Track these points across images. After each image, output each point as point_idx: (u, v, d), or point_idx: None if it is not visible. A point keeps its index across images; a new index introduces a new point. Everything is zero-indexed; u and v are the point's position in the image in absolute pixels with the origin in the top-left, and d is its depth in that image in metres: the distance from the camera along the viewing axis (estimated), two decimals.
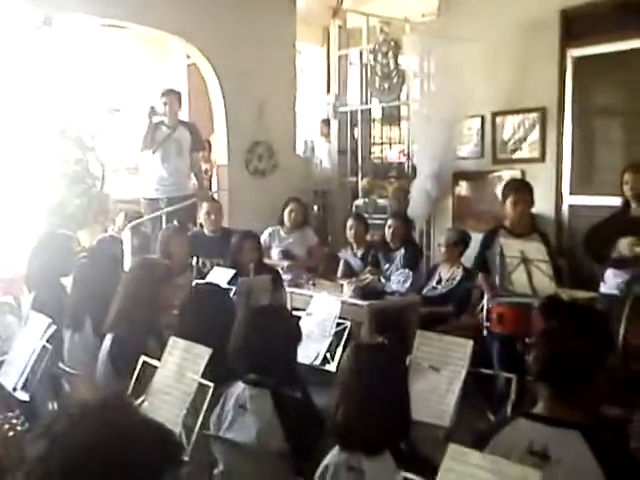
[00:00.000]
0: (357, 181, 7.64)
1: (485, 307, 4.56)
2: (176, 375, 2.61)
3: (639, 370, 3.29)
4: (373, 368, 2.11)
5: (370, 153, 7.91)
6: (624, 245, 3.99)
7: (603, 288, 4.34)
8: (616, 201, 4.58)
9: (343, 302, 4.47)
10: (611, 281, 4.32)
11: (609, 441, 1.90)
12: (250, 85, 6.61)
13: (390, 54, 6.86)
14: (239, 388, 2.55)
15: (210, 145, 7.77)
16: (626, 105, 5.65)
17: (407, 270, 5.76)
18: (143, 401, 2.57)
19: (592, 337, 1.91)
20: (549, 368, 1.89)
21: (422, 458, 2.07)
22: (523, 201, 4.56)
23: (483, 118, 6.39)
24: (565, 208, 5.95)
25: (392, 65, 6.86)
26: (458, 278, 5.47)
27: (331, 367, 3.51)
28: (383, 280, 5.74)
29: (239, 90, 6.61)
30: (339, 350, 3.53)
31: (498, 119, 6.30)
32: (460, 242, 5.58)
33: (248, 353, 2.55)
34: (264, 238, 5.96)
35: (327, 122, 8.01)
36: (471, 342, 3.05)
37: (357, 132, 7.78)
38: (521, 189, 4.65)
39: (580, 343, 1.86)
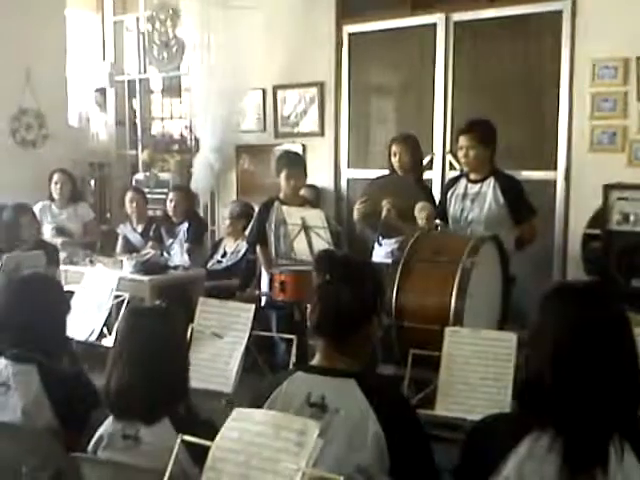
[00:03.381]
0: (137, 154, 7.39)
1: (266, 277, 4.61)
2: None
3: (410, 331, 3.46)
4: (148, 331, 2.01)
5: (150, 125, 7.67)
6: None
7: (376, 256, 4.52)
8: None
9: (123, 278, 4.30)
10: (383, 249, 4.52)
11: (383, 389, 1.96)
12: (15, 51, 6.17)
13: (169, 22, 6.66)
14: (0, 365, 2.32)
15: None
16: (398, 82, 5.94)
17: (191, 244, 5.68)
18: None
19: (364, 289, 1.94)
20: (323, 320, 1.91)
21: (203, 422, 2.01)
22: (296, 175, 4.64)
23: (264, 91, 6.42)
24: (343, 181, 6.16)
25: (171, 34, 6.67)
26: (243, 251, 5.46)
27: (108, 341, 3.34)
28: (166, 255, 5.60)
29: (2, 55, 6.11)
30: (117, 324, 3.36)
31: (279, 93, 6.35)
32: (244, 215, 5.58)
33: (10, 326, 2.33)
34: None
35: (103, 91, 7.62)
36: (253, 306, 3.05)
37: (136, 103, 7.51)
38: (294, 163, 4.73)
39: (352, 295, 1.89)
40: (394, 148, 4.51)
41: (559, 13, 4.96)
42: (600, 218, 4.42)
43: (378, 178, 4.62)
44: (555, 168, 5.05)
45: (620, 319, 1.66)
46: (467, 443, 1.76)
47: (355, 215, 4.42)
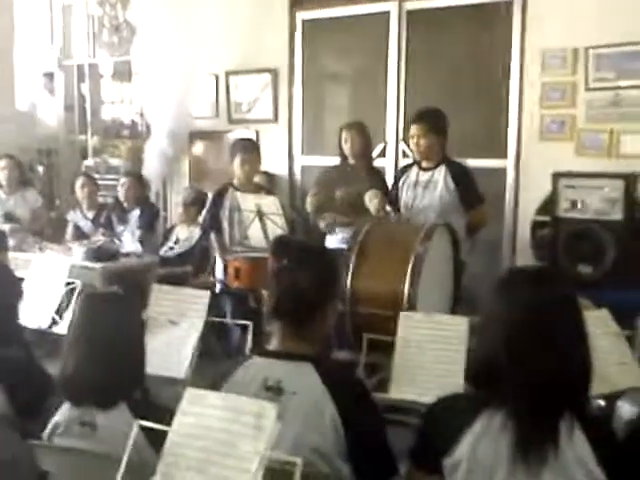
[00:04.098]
0: (87, 140, 7.26)
1: (222, 264, 4.60)
2: None
3: (364, 317, 3.49)
4: (104, 316, 1.99)
5: (100, 110, 7.54)
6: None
7: (329, 243, 4.53)
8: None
9: (74, 265, 4.24)
10: (336, 237, 4.54)
11: (339, 373, 1.99)
12: None
13: (119, 5, 6.54)
14: None
15: None
16: (352, 70, 5.95)
17: (143, 231, 5.62)
18: None
19: (321, 274, 1.96)
20: (281, 304, 1.92)
21: (160, 407, 2.00)
22: (250, 161, 4.63)
23: (217, 77, 6.37)
24: (297, 168, 6.16)
25: (121, 17, 6.56)
26: (196, 238, 5.42)
27: (60, 329, 3.30)
28: (117, 242, 5.53)
29: None
30: (69, 311, 3.32)
31: (232, 79, 6.31)
32: (197, 202, 5.54)
33: None
34: None
35: (51, 76, 7.45)
36: (208, 292, 3.05)
37: (85, 87, 7.36)
38: (248, 149, 4.71)
39: (310, 279, 1.91)
40: (344, 134, 4.54)
41: (510, 3, 5.04)
42: (549, 205, 4.52)
43: (329, 169, 4.65)
44: (505, 156, 5.14)
45: (570, 301, 1.71)
46: (423, 424, 1.80)
47: (308, 207, 4.46)
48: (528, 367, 1.62)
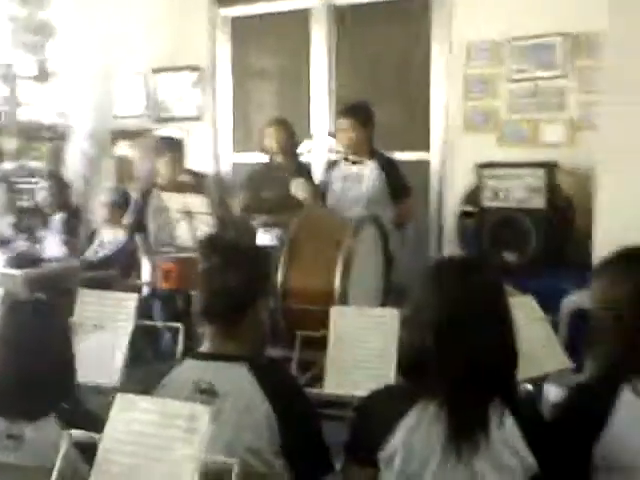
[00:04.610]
0: (2, 143, 7.00)
1: (149, 265, 4.52)
2: None
3: (297, 312, 3.49)
4: (27, 324, 1.92)
5: (16, 112, 7.27)
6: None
7: (261, 240, 4.51)
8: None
9: None
10: (268, 234, 4.54)
11: (273, 371, 1.97)
12: None
13: (37, 4, 6.33)
14: None
15: None
16: (278, 66, 5.94)
17: (66, 235, 5.47)
18: None
19: (251, 272, 1.94)
20: (211, 305, 1.90)
21: (91, 416, 1.95)
22: (175, 160, 4.58)
23: (143, 75, 6.26)
24: (228, 166, 6.11)
25: (40, 16, 6.35)
26: (122, 240, 5.31)
27: None
28: (39, 247, 5.38)
29: None
30: None
31: (158, 76, 6.21)
32: (121, 203, 5.42)
33: None
34: None
35: None
36: (136, 295, 2.98)
37: (1, 88, 7.09)
38: (172, 148, 4.67)
39: (240, 278, 1.89)
40: (268, 132, 4.53)
41: None
42: (473, 196, 4.61)
43: (254, 171, 4.64)
44: (430, 148, 5.21)
45: (496, 288, 1.75)
46: (356, 417, 1.80)
47: (237, 208, 4.46)
48: (456, 355, 1.64)
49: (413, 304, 1.78)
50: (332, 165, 4.40)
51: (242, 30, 5.92)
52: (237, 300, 1.89)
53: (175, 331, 2.98)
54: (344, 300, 3.38)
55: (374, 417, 1.73)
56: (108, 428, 1.59)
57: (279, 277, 3.56)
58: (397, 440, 1.64)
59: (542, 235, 4.28)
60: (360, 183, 4.17)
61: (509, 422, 1.64)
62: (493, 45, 4.87)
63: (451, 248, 4.95)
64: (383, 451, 1.67)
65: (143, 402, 1.62)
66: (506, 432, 1.63)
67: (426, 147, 5.22)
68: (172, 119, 6.18)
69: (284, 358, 3.15)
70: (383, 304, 3.69)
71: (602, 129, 3.97)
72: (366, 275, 3.70)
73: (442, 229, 5.16)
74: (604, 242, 3.47)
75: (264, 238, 4.45)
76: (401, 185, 4.22)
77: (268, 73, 6.08)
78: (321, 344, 2.83)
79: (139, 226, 4.60)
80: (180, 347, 2.85)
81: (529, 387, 2.74)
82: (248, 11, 5.85)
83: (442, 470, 1.62)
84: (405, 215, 4.28)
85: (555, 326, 2.94)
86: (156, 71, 6.18)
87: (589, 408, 1.78)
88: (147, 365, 2.91)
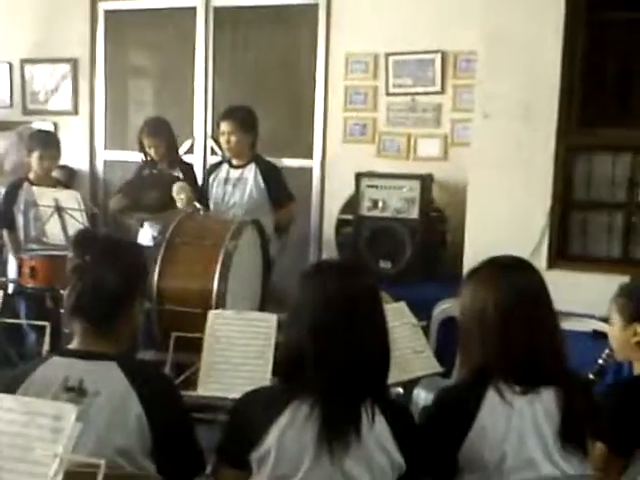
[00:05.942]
0: None
1: (14, 262, 4.31)
2: None
3: (172, 315, 3.43)
4: None
5: None
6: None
7: (140, 240, 4.40)
8: None
9: None
10: (146, 233, 4.43)
11: (145, 370, 1.92)
12: None
13: None
14: None
15: None
16: (158, 65, 5.83)
17: None
18: None
19: (127, 270, 1.88)
20: (83, 302, 1.82)
21: None
22: (50, 155, 4.39)
23: (11, 65, 5.97)
24: (100, 162, 5.92)
25: None
26: None
27: None
28: None
29: None
30: None
31: (28, 67, 5.94)
32: None
33: None
34: None
35: None
36: (0, 293, 2.83)
37: None
38: (48, 143, 4.47)
39: (115, 275, 1.82)
40: (147, 141, 4.42)
41: (315, 6, 5.17)
42: (352, 204, 4.70)
43: (134, 177, 4.52)
44: (312, 156, 5.27)
45: (372, 292, 1.79)
46: (229, 419, 1.79)
47: (111, 208, 4.36)
48: (331, 355, 1.67)
49: (292, 305, 1.79)
50: (215, 168, 4.35)
51: (121, 25, 5.77)
52: (110, 298, 1.83)
53: (41, 330, 2.84)
54: (222, 302, 3.35)
55: (247, 418, 1.72)
56: None
57: (155, 277, 3.48)
58: (270, 441, 1.64)
59: (415, 244, 4.41)
60: (242, 187, 4.16)
61: (380, 423, 1.67)
62: (372, 58, 4.98)
63: (330, 255, 5.02)
64: (256, 452, 1.66)
65: (6, 401, 1.54)
66: (377, 432, 1.66)
67: (309, 155, 5.27)
68: (44, 112, 5.93)
69: (158, 362, 3.08)
70: (261, 309, 3.68)
71: (474, 146, 4.16)
72: (245, 279, 3.68)
73: (322, 236, 5.23)
74: (475, 253, 3.61)
75: (146, 238, 4.36)
76: (283, 191, 4.23)
77: (148, 71, 5.98)
78: (197, 347, 2.78)
79: (6, 221, 4.37)
80: (46, 347, 2.72)
81: (400, 390, 2.81)
82: (128, 6, 5.72)
83: (314, 470, 1.63)
84: (285, 220, 4.30)
85: (426, 333, 3.03)
86: (27, 61, 5.92)
87: (456, 409, 1.84)
88: (11, 366, 2.77)
